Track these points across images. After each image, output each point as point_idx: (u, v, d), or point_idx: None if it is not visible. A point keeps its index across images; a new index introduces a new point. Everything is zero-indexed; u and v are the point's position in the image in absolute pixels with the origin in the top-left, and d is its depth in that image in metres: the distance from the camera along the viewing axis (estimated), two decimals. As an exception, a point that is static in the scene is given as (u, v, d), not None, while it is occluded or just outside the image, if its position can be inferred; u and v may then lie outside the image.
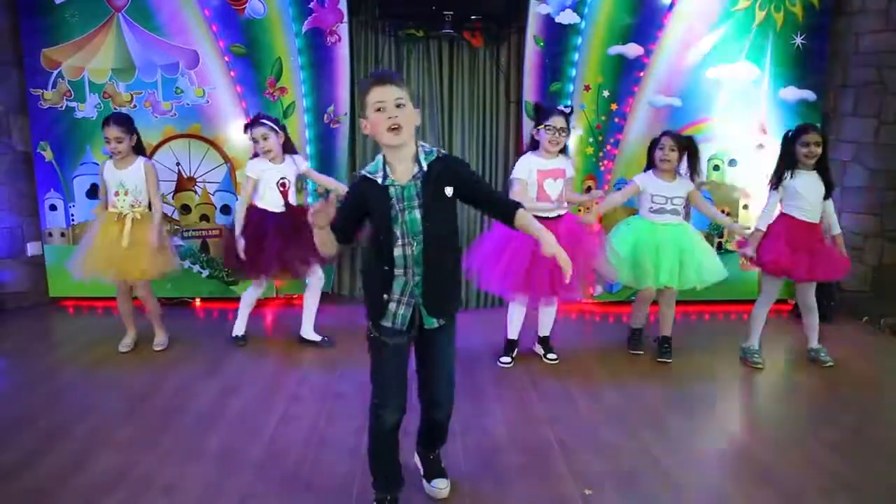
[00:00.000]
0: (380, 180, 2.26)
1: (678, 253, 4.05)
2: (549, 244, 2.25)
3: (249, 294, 4.40)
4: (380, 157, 2.30)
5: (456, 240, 2.40)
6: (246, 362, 4.12)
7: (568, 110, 4.03)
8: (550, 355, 4.19)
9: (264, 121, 4.16)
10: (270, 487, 2.74)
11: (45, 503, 2.61)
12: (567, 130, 3.95)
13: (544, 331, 4.25)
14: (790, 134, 4.06)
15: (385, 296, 2.31)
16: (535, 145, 4.02)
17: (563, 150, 4.04)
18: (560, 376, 3.98)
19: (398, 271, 2.29)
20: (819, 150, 3.95)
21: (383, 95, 2.19)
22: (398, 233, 2.25)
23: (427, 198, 2.25)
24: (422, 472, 2.74)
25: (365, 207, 2.30)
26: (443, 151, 2.34)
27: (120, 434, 3.17)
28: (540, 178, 3.93)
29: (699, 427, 3.41)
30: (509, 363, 4.13)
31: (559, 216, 3.97)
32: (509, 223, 2.34)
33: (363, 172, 2.32)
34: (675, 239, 4.07)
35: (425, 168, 2.26)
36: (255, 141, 4.15)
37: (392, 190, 2.25)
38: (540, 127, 3.93)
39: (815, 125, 4.05)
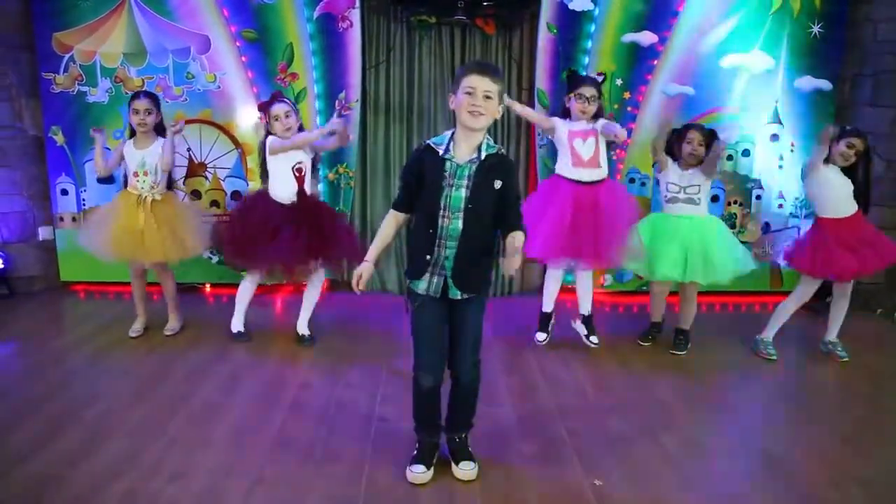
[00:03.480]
0: (441, 152, 2.50)
1: (684, 245, 4.00)
2: (510, 256, 2.40)
3: (245, 288, 4.19)
4: (448, 133, 2.53)
5: (491, 227, 2.55)
6: (255, 349, 4.12)
7: (601, 78, 4.02)
8: (593, 338, 4.16)
9: (285, 100, 4.04)
10: (280, 473, 2.74)
11: (54, 487, 2.61)
12: (598, 99, 3.93)
13: (585, 308, 4.20)
14: (840, 130, 3.98)
15: (428, 256, 2.52)
16: (566, 114, 4.01)
17: (596, 119, 3.98)
18: (570, 366, 3.96)
19: (437, 239, 2.52)
20: (854, 159, 3.90)
21: (476, 83, 2.41)
22: (441, 204, 2.48)
23: (476, 182, 2.47)
24: (450, 457, 2.79)
25: (421, 174, 2.53)
26: (502, 149, 2.56)
27: (129, 419, 3.18)
28: (570, 138, 3.92)
29: (710, 418, 3.39)
30: (544, 340, 4.17)
31: (598, 181, 3.96)
32: (504, 235, 2.52)
33: (428, 142, 2.56)
34: (684, 230, 4.02)
35: (482, 157, 2.48)
36: (275, 119, 3.93)
37: (448, 164, 2.49)
38: (571, 95, 3.95)
39: (864, 134, 3.96)
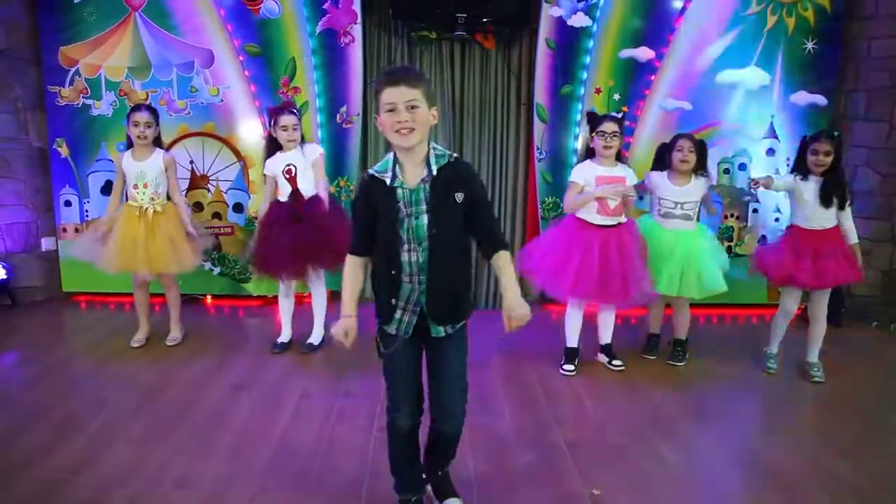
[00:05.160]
0: (388, 181, 2.18)
1: (681, 261, 4.01)
2: (509, 301, 2.17)
3: (280, 301, 4.37)
4: (390, 156, 2.21)
5: (465, 247, 2.30)
6: (256, 360, 4.15)
7: (619, 115, 4.02)
8: (616, 361, 4.15)
9: (295, 111, 4.17)
10: (281, 484, 2.77)
11: (59, 495, 2.64)
12: (619, 134, 3.91)
13: (605, 338, 4.22)
14: (805, 139, 4.02)
15: (393, 300, 2.24)
16: (591, 153, 4.00)
17: (620, 159, 4.01)
18: (568, 377, 4.00)
19: (405, 277, 2.22)
20: (828, 160, 3.85)
21: (393, 97, 2.09)
22: (404, 237, 2.18)
23: (434, 203, 2.17)
24: (431, 492, 2.64)
25: (374, 208, 2.23)
26: (454, 156, 2.23)
27: (132, 428, 3.21)
28: (598, 185, 3.90)
29: (707, 430, 3.42)
30: (573, 371, 4.08)
31: (618, 224, 3.94)
32: (486, 257, 2.27)
33: (371, 171, 2.24)
34: (680, 247, 4.02)
35: (434, 172, 2.17)
36: (282, 128, 4.06)
37: (400, 192, 2.18)
38: (593, 134, 3.94)
39: (830, 133, 3.95)
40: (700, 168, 4.09)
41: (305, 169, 4.11)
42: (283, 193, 4.13)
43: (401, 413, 2.37)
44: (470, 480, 2.79)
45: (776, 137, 5.28)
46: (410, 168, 2.19)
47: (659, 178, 4.13)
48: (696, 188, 4.07)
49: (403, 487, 2.53)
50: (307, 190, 4.13)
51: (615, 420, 3.46)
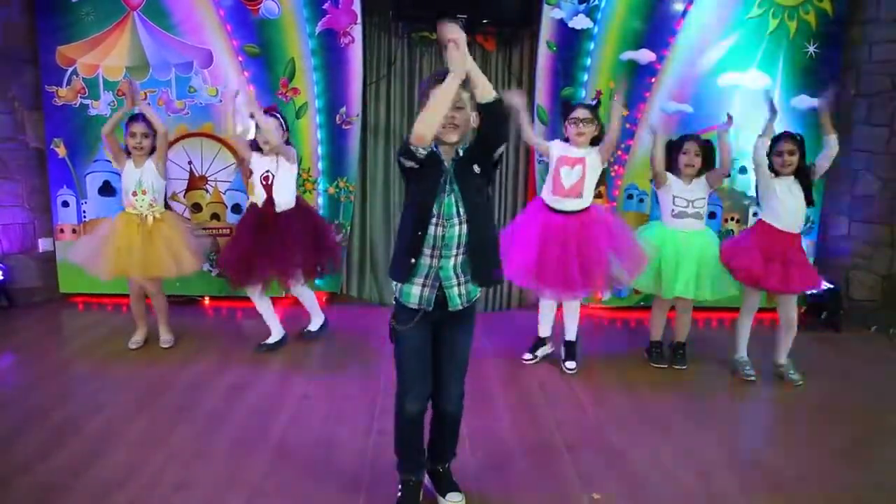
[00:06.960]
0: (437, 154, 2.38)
1: (696, 263, 3.99)
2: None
3: (256, 303, 4.29)
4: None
5: (491, 226, 2.53)
6: (254, 361, 4.13)
7: (594, 103, 4.00)
8: (569, 363, 4.10)
9: (277, 114, 4.16)
10: (279, 486, 2.76)
11: (57, 497, 2.63)
12: (593, 121, 3.89)
13: (569, 335, 4.16)
14: (770, 142, 4.00)
15: (412, 259, 2.36)
16: (568, 141, 4.00)
17: (596, 144, 3.94)
18: (568, 380, 3.99)
19: (426, 249, 2.36)
20: (793, 159, 3.88)
21: None
22: (434, 210, 2.34)
23: (457, 175, 2.35)
24: (433, 489, 2.70)
25: (419, 160, 2.31)
26: None
27: (130, 430, 3.19)
28: (558, 165, 3.90)
29: (707, 433, 3.41)
30: (530, 359, 4.14)
31: (578, 211, 3.88)
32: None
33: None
34: (695, 248, 3.99)
35: (460, 154, 2.38)
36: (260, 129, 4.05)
37: (443, 169, 2.36)
38: (567, 122, 3.95)
39: (792, 134, 3.98)
40: (707, 170, 4.08)
41: (282, 177, 4.09)
42: (259, 197, 4.13)
43: (410, 397, 2.48)
44: (469, 483, 2.77)
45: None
46: (446, 156, 2.39)
47: (672, 179, 4.11)
48: (698, 186, 4.07)
49: (406, 467, 2.61)
50: (282, 201, 4.12)
51: (614, 423, 3.45)
